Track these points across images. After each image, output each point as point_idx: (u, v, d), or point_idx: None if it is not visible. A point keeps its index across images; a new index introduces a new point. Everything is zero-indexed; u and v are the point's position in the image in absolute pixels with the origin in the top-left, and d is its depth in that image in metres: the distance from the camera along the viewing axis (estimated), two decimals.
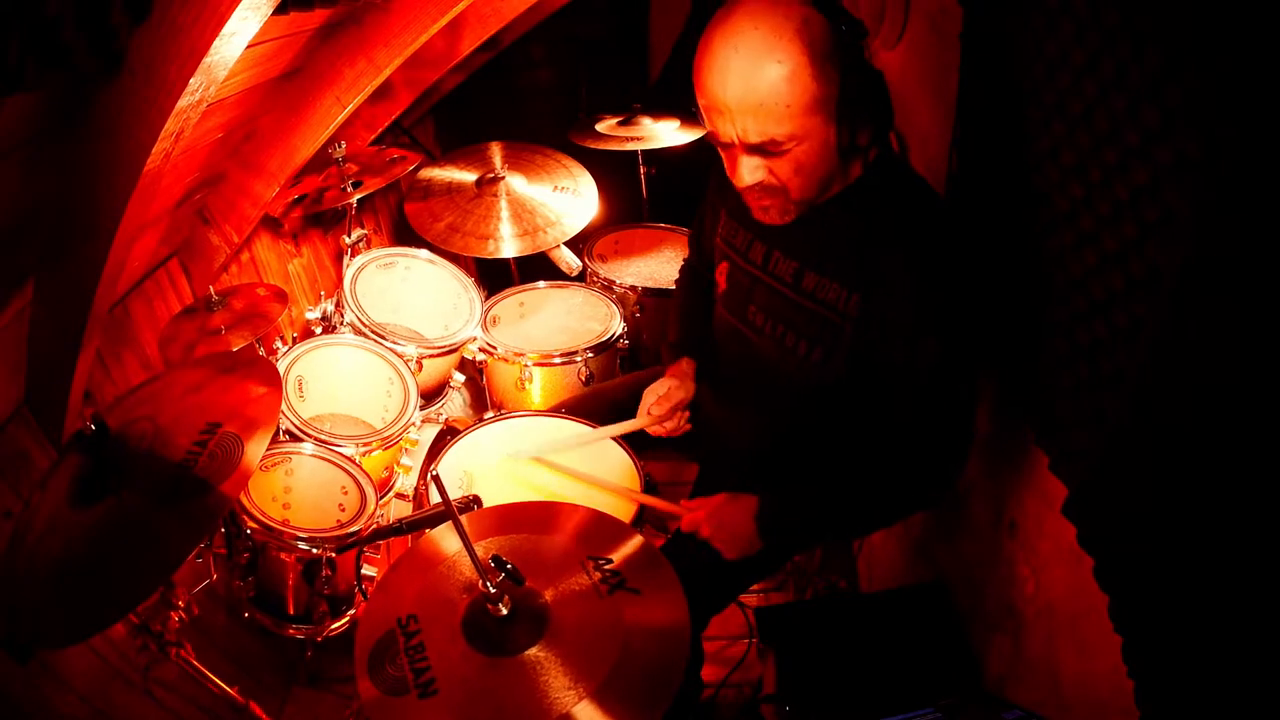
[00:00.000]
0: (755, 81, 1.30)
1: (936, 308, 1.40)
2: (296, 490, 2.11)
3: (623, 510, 1.76)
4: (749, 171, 1.41)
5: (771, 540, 1.60)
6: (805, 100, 1.31)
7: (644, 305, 2.76)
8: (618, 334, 2.62)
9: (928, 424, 1.47)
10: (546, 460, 1.84)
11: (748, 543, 1.61)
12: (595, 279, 2.85)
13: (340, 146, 2.53)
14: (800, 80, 1.30)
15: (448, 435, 2.50)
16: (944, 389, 1.45)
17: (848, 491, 1.59)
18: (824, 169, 1.41)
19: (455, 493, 1.81)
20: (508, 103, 3.64)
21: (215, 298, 2.20)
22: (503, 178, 2.84)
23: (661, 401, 1.78)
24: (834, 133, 1.36)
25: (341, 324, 2.50)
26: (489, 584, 1.24)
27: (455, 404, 2.86)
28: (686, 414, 1.83)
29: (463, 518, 1.30)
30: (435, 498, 1.37)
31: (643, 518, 1.79)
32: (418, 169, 2.83)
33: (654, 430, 1.82)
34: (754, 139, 1.36)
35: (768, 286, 1.61)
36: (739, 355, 1.72)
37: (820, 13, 1.31)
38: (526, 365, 2.52)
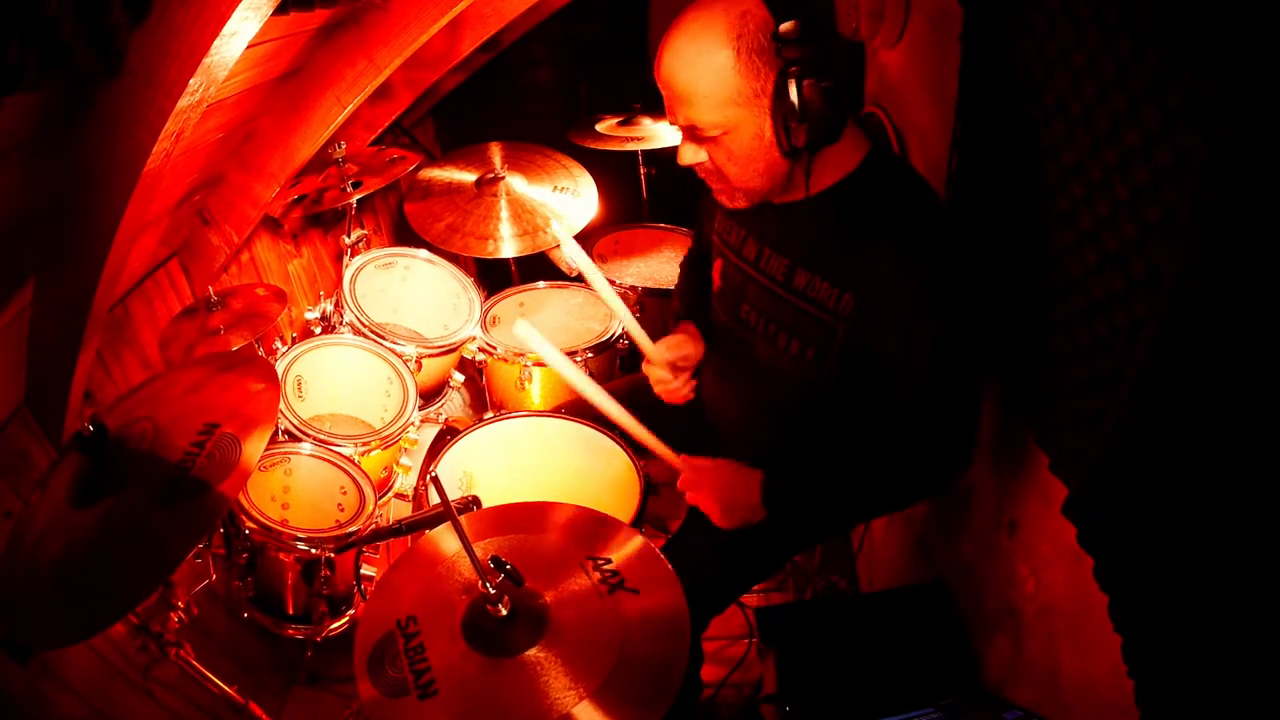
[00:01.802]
0: (679, 68, 1.35)
1: (933, 301, 1.40)
2: (295, 490, 2.11)
3: (622, 509, 1.76)
4: (688, 153, 1.47)
5: (775, 511, 1.57)
6: (725, 92, 1.33)
7: (644, 305, 2.76)
8: (617, 334, 2.61)
9: (928, 417, 1.47)
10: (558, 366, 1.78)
11: (748, 511, 1.57)
12: None
13: (340, 147, 2.53)
14: (721, 72, 1.32)
15: (447, 435, 2.50)
16: (944, 382, 1.45)
17: (854, 475, 1.58)
18: (760, 161, 1.41)
19: (454, 493, 1.81)
20: (508, 103, 3.64)
21: (215, 298, 2.20)
22: (502, 178, 2.84)
23: (674, 347, 1.77)
24: (768, 127, 1.37)
25: (341, 324, 2.50)
26: (488, 585, 1.24)
27: (455, 404, 2.86)
28: (694, 382, 1.80)
29: (462, 519, 1.30)
30: (435, 498, 1.37)
31: (643, 518, 1.79)
32: (418, 169, 2.83)
33: (655, 378, 1.79)
34: (680, 122, 1.42)
35: (759, 284, 1.60)
36: (734, 355, 1.71)
37: (767, 8, 1.30)
38: (526, 365, 2.52)
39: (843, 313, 1.47)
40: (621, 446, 1.93)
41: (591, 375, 2.53)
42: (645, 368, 1.81)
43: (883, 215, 1.43)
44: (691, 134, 1.43)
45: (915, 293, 1.40)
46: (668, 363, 1.77)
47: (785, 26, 1.29)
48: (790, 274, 1.54)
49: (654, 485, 1.86)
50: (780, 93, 1.32)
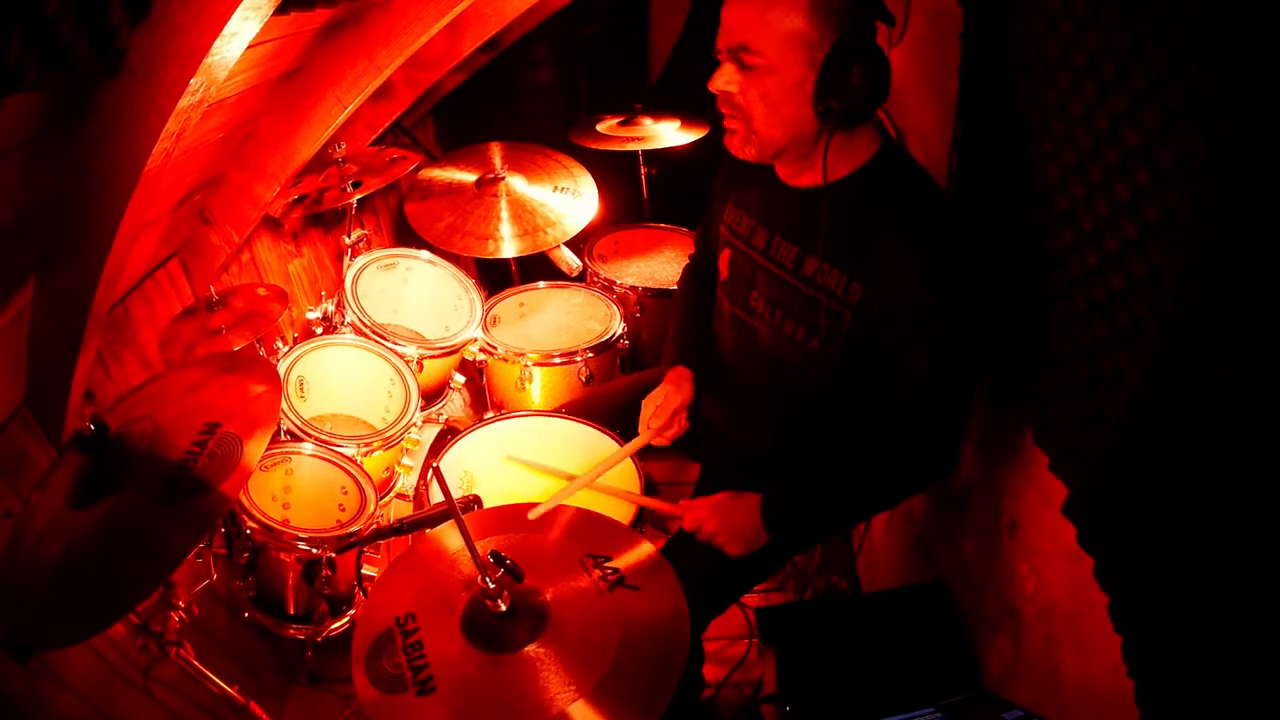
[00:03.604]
0: None
1: (939, 294, 1.42)
2: (296, 490, 2.11)
3: (622, 509, 1.76)
4: (721, 79, 1.46)
5: (777, 532, 1.60)
6: (787, 27, 1.36)
7: (644, 305, 2.76)
8: (618, 334, 2.61)
9: (928, 410, 1.49)
10: (544, 467, 1.83)
11: (753, 537, 1.60)
12: (595, 279, 2.84)
13: (340, 147, 2.53)
14: (793, 8, 1.35)
15: (448, 435, 2.50)
16: (944, 376, 1.46)
17: (850, 479, 1.59)
18: (789, 111, 1.43)
19: (455, 493, 1.81)
20: (508, 103, 3.64)
21: (215, 298, 2.19)
22: (503, 178, 2.84)
23: (659, 412, 1.76)
24: (811, 81, 1.38)
25: (342, 324, 2.50)
26: (488, 579, 1.24)
27: (455, 404, 2.86)
28: (684, 414, 1.80)
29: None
30: (436, 496, 1.37)
31: (643, 517, 1.79)
32: (418, 169, 2.83)
33: (656, 441, 1.81)
34: (731, 40, 1.41)
35: (769, 273, 1.62)
36: (739, 344, 1.72)
37: None
38: (526, 365, 2.52)
39: (850, 301, 1.48)
40: (622, 447, 1.92)
41: (591, 376, 2.54)
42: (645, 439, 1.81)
43: (894, 207, 1.45)
44: (734, 56, 1.43)
45: (924, 284, 1.41)
46: (657, 430, 1.76)
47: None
48: (800, 261, 1.55)
49: (654, 485, 1.86)
50: (836, 53, 1.35)
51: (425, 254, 2.75)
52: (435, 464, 1.87)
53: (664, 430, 1.77)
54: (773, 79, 1.40)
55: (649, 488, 1.84)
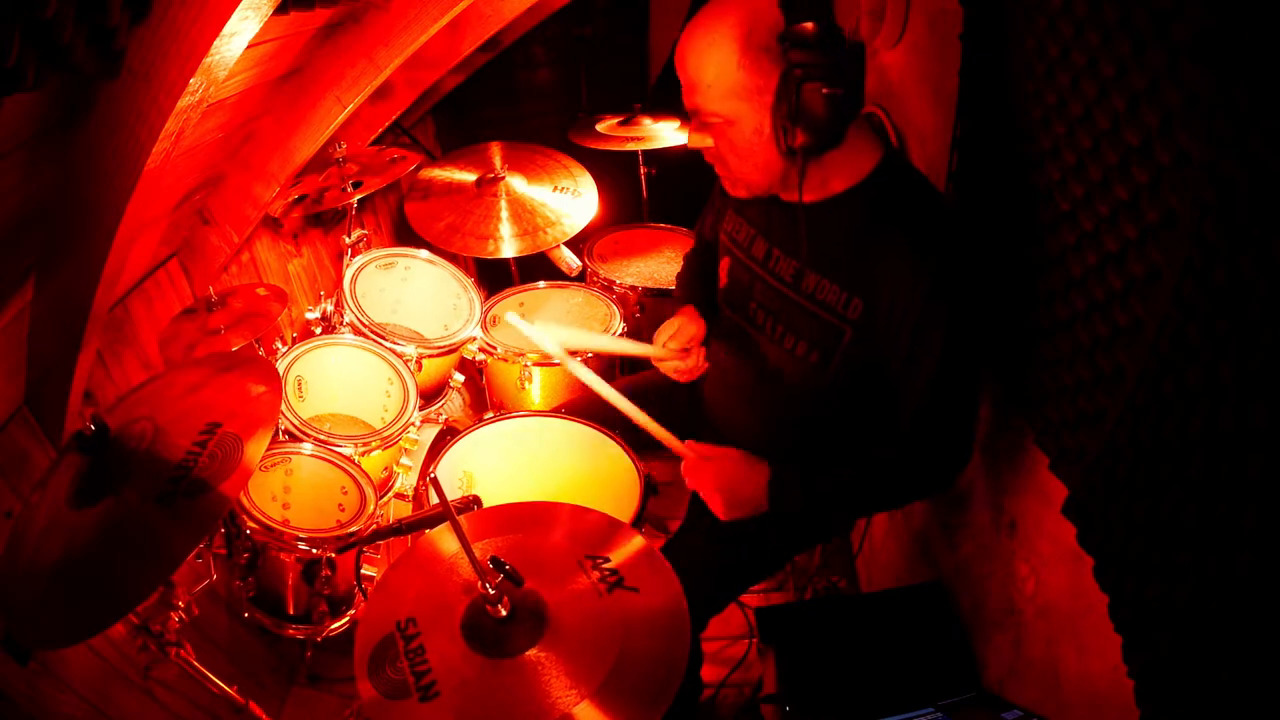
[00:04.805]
0: (689, 55, 1.41)
1: (941, 305, 1.40)
2: (296, 490, 2.10)
3: (622, 509, 1.76)
4: (693, 138, 1.50)
5: (777, 507, 1.55)
6: (727, 84, 1.38)
7: (644, 305, 2.76)
8: (617, 334, 2.61)
9: (935, 420, 1.48)
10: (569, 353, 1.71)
11: (751, 505, 1.55)
12: (595, 279, 2.85)
13: (340, 146, 2.53)
14: (725, 64, 1.36)
15: (447, 435, 2.50)
16: (952, 386, 1.45)
17: (858, 476, 1.57)
18: (758, 156, 1.44)
19: (454, 493, 1.81)
20: (508, 103, 3.64)
21: (215, 298, 2.19)
22: (502, 178, 2.84)
23: (676, 335, 1.75)
24: (767, 124, 1.39)
25: (341, 324, 2.50)
26: (488, 585, 1.24)
27: (455, 404, 2.86)
28: (704, 352, 1.78)
29: (461, 519, 1.30)
30: (435, 499, 1.37)
31: (643, 518, 1.79)
32: (418, 169, 2.83)
33: (669, 369, 1.78)
34: (688, 105, 1.46)
35: (767, 284, 1.61)
36: (739, 353, 1.71)
37: (781, 9, 1.34)
38: (526, 365, 2.52)
39: (850, 317, 1.47)
40: (622, 447, 1.92)
41: None
42: (657, 365, 1.80)
43: (895, 220, 1.44)
44: (697, 119, 1.47)
45: (927, 300, 1.40)
46: (674, 351, 1.76)
47: (792, 29, 1.32)
48: (799, 275, 1.54)
49: (654, 485, 1.86)
50: (780, 93, 1.35)
51: (424, 253, 2.75)
52: (433, 469, 1.87)
53: (679, 355, 1.75)
54: (733, 131, 1.42)
55: (648, 488, 1.83)
